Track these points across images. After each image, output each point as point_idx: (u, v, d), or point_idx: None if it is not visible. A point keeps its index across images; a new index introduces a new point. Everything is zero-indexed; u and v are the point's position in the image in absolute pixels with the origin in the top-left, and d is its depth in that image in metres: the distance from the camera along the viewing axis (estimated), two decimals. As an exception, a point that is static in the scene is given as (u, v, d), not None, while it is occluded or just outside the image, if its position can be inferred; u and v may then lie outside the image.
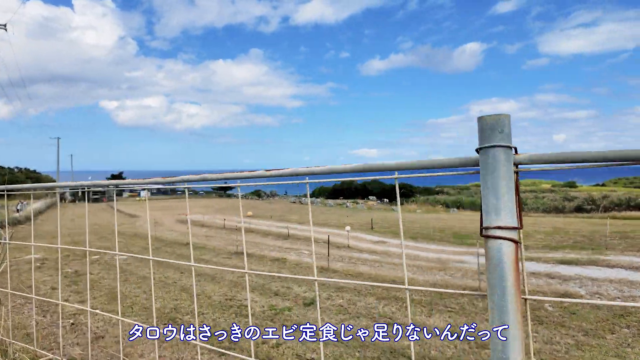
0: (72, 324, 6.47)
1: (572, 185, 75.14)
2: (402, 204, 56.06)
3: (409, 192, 63.43)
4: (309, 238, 18.76)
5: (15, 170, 66.69)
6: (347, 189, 70.34)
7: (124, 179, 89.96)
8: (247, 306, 7.65)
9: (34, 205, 43.25)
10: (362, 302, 7.88)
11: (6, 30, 21.42)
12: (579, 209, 40.33)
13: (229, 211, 40.06)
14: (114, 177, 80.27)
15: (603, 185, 77.50)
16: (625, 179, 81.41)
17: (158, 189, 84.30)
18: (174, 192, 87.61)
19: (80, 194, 67.33)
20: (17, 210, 38.49)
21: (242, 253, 15.49)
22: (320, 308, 7.38)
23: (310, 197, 58.21)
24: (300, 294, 8.60)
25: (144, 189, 78.59)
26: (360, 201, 58.79)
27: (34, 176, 67.97)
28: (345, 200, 58.47)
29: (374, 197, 63.62)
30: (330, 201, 52.09)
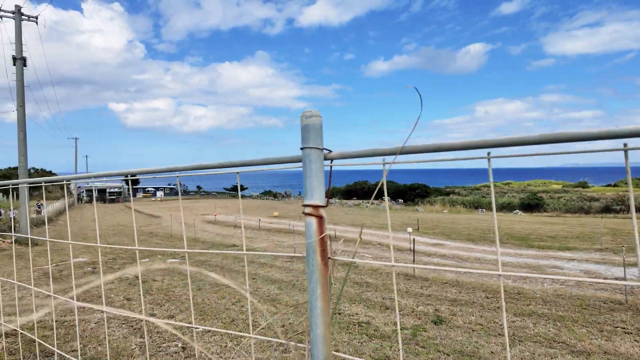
0: (184, 348, 5.17)
1: (584, 185, 73.69)
2: (417, 204, 54.71)
3: (424, 193, 62.07)
4: (356, 239, 17.43)
5: (32, 171, 65.68)
6: (360, 189, 69.07)
7: (137, 180, 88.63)
8: (369, 323, 6.33)
9: (55, 205, 42.10)
10: (499, 319, 6.55)
11: (37, 23, 20.15)
12: (607, 209, 38.91)
13: (248, 211, 38.78)
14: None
15: (615, 185, 76.02)
16: (638, 180, 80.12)
17: (171, 189, 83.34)
18: (186, 192, 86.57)
19: (97, 194, 66.18)
20: (37, 212, 37.32)
21: (300, 255, 14.20)
22: (456, 327, 6.04)
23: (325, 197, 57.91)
24: (414, 308, 7.28)
25: (159, 189, 77.22)
26: (375, 202, 57.45)
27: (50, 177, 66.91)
28: (359, 201, 57.17)
29: (388, 198, 62.37)
30: (350, 202, 50.77)
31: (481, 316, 6.69)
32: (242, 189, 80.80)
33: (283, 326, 6.20)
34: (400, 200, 59.97)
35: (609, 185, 73.80)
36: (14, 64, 19.06)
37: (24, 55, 18.94)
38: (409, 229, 14.23)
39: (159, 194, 69.82)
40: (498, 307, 7.15)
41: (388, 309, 7.25)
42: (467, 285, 9.02)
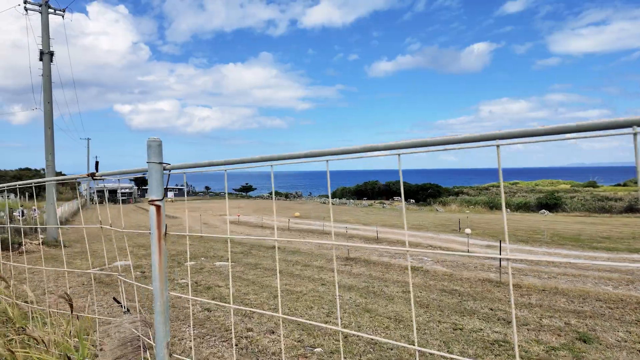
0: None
1: (593, 185, 72.70)
2: (429, 204, 53.69)
3: (436, 192, 61.10)
4: (403, 241, 16.49)
5: (42, 172, 64.85)
6: (371, 190, 68.04)
7: (145, 181, 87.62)
8: (508, 342, 5.39)
9: (68, 205, 41.22)
10: (654, 334, 5.60)
11: (63, 17, 19.24)
12: (630, 209, 37.98)
13: (265, 212, 37.82)
14: (137, 179, 77.58)
15: (625, 185, 74.98)
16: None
17: (179, 190, 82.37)
18: (194, 193, 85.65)
19: (107, 194, 65.16)
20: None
21: (355, 259, 13.30)
22: (614, 346, 5.10)
23: (333, 197, 55.99)
24: (539, 322, 6.34)
25: (168, 189, 76.93)
26: (386, 202, 56.58)
27: (61, 177, 66.02)
28: (371, 201, 56.21)
29: (399, 198, 61.34)
30: (364, 202, 49.84)
31: (629, 332, 5.75)
32: (251, 189, 79.83)
33: None
34: (412, 200, 59.01)
35: (618, 185, 72.71)
36: (40, 59, 18.14)
37: (51, 49, 18.02)
38: (468, 230, 13.28)
39: (170, 194, 68.96)
40: (638, 321, 6.21)
41: (506, 322, 6.30)
42: (571, 292, 8.08)
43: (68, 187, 65.78)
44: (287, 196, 60.15)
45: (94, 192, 63.48)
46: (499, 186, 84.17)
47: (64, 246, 17.49)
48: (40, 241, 17.79)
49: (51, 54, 17.94)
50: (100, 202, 60.69)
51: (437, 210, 37.80)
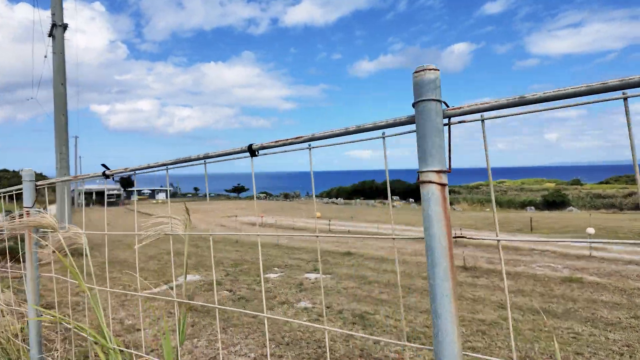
0: None
1: (577, 183, 73.43)
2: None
3: (435, 191, 59.57)
4: (476, 244, 14.26)
5: (21, 172, 59.06)
6: (368, 189, 66.05)
7: (133, 182, 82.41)
8: None
9: (53, 209, 36.93)
10: None
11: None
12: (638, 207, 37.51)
13: (280, 212, 35.01)
14: (122, 180, 72.55)
15: (607, 182, 76.05)
16: (626, 177, 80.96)
17: (166, 191, 77.80)
18: (183, 195, 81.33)
19: (94, 196, 60.17)
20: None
21: (475, 268, 10.88)
22: None
23: (329, 196, 53.05)
24: None
25: (155, 191, 71.93)
26: (385, 201, 54.74)
27: (40, 179, 60.56)
28: (371, 200, 54.20)
29: (397, 197, 59.66)
30: (372, 201, 47.72)
31: None
32: (244, 189, 76.31)
33: None
34: (411, 199, 57.37)
35: (601, 183, 73.62)
36: (50, 34, 14.90)
37: (64, 22, 14.78)
38: (590, 230, 11.18)
39: (162, 195, 64.77)
40: None
41: None
42: None
43: (50, 189, 60.48)
44: (286, 196, 57.33)
45: (79, 194, 58.45)
46: (487, 185, 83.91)
47: (82, 254, 14.23)
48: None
49: (64, 26, 14.71)
50: (87, 205, 55.80)
51: (454, 209, 36.01)
